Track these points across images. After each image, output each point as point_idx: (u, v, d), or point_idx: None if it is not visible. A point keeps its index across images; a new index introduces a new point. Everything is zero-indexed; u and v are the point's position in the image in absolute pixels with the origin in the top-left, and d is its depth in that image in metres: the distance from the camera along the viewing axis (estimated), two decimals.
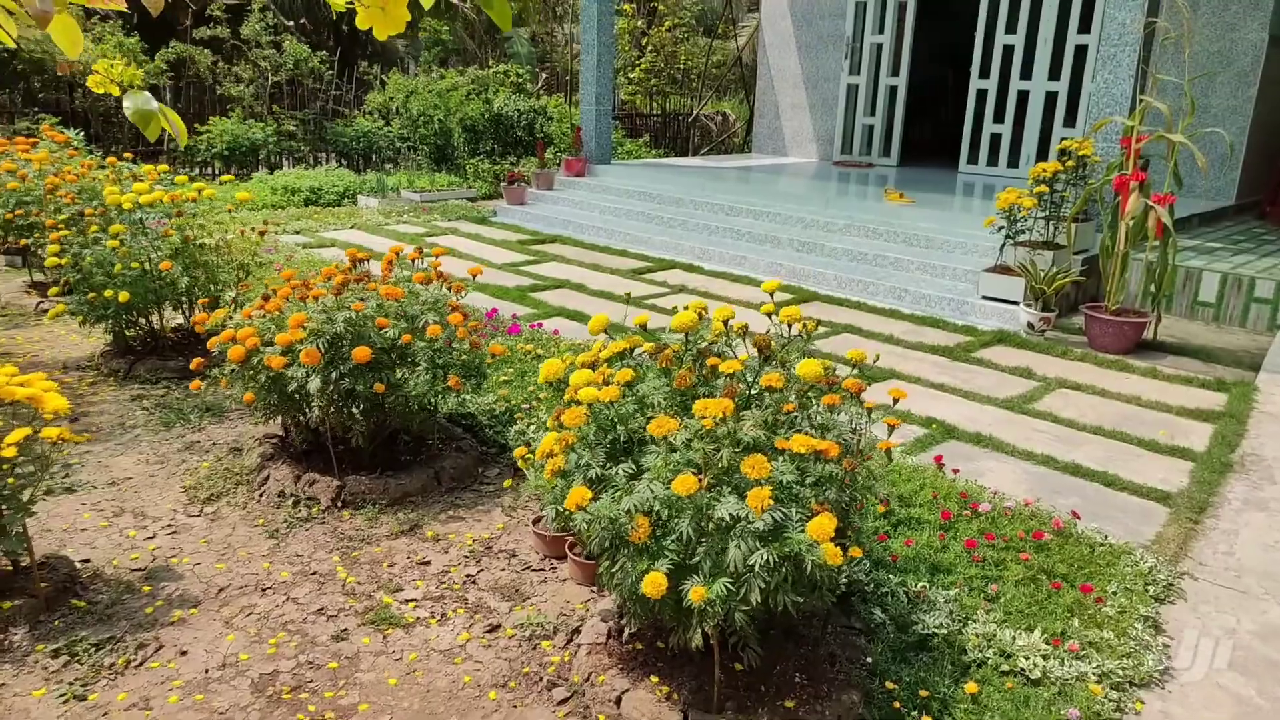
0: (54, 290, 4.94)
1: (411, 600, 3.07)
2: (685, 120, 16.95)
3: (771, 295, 2.82)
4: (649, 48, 16.49)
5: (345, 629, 2.91)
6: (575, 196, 10.52)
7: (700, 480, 2.29)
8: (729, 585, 2.19)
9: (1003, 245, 6.85)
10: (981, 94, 10.96)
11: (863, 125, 12.41)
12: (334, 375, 3.51)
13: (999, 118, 10.87)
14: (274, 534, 3.47)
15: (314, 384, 3.45)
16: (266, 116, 13.10)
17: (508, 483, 3.85)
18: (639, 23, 17.83)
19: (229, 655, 2.75)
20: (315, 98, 13.91)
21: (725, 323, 2.67)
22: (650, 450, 2.41)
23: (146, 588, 3.08)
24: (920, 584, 3.09)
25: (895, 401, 2.75)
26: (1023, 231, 6.75)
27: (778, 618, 2.44)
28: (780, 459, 2.35)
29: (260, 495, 3.75)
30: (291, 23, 15.27)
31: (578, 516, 2.30)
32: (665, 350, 2.63)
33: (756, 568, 2.17)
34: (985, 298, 6.77)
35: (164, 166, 5.75)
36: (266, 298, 3.78)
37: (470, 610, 3.03)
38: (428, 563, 3.30)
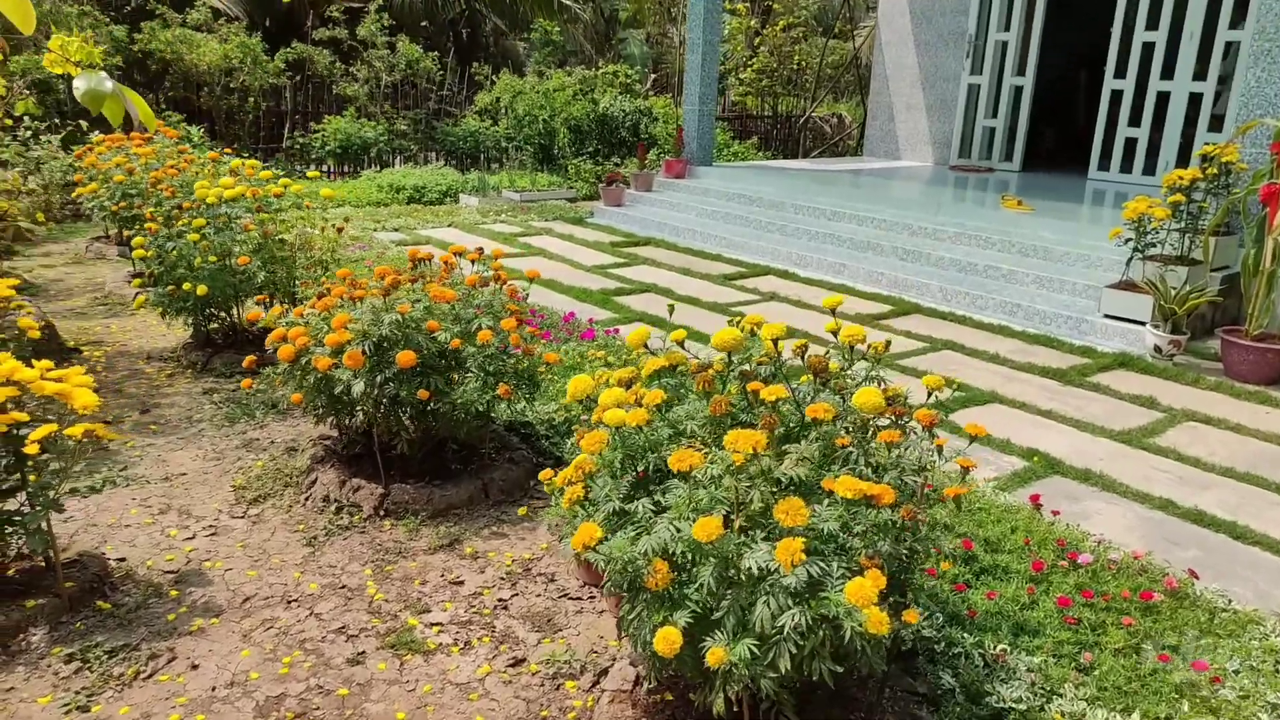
0: (137, 282, 5.03)
1: (437, 624, 2.88)
2: (797, 122, 16.46)
3: (833, 312, 2.51)
4: (761, 48, 16.07)
5: (363, 651, 2.74)
6: (673, 198, 10.27)
7: (733, 522, 2.01)
8: (754, 648, 1.90)
9: (1129, 259, 6.23)
10: (1116, 95, 10.13)
11: (983, 128, 11.70)
12: (378, 379, 3.37)
13: (1135, 120, 10.03)
14: (311, 541, 3.35)
15: (357, 387, 3.32)
16: (379, 116, 13.36)
17: (522, 510, 3.59)
18: (752, 22, 17.42)
19: (239, 673, 2.62)
20: (427, 98, 14.13)
21: (775, 342, 2.36)
22: (677, 485, 2.14)
23: (174, 592, 3.00)
24: (1000, 646, 2.71)
25: (972, 439, 2.39)
26: (1153, 245, 6.11)
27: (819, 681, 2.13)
28: (825, 503, 2.04)
29: (306, 499, 3.65)
30: (423, 24, 15.57)
31: (588, 556, 2.05)
32: (705, 371, 2.35)
33: (786, 629, 1.87)
34: (1107, 316, 6.17)
35: (254, 163, 5.80)
36: (320, 296, 3.69)
37: (496, 639, 2.82)
38: (461, 582, 3.11)
